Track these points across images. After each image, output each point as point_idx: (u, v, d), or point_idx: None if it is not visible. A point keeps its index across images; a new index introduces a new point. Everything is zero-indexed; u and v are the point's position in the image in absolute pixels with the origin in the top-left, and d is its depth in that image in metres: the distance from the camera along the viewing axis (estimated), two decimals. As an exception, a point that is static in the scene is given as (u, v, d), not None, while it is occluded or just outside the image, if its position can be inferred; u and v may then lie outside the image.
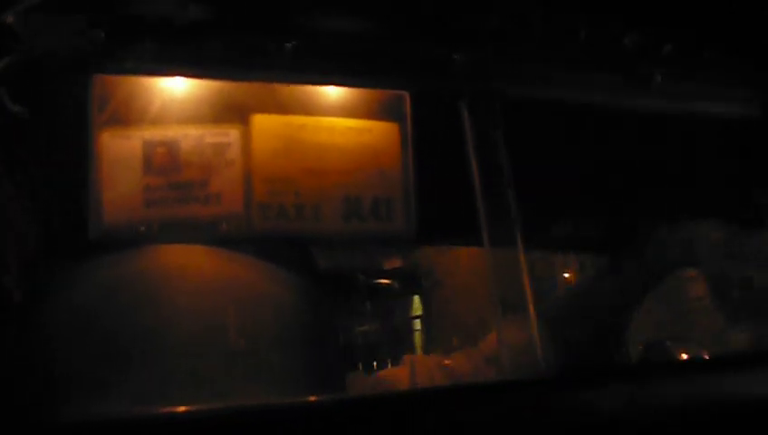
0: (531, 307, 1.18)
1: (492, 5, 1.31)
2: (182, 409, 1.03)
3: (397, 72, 1.38)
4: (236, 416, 0.90)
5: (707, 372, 1.23)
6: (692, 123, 1.53)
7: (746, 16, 1.40)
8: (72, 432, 0.86)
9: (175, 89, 1.28)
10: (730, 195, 1.69)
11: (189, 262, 1.25)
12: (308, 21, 1.25)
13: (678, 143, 1.59)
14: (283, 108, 1.36)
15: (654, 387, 1.06)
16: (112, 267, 1.21)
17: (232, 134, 1.30)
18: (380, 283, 1.71)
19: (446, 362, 1.71)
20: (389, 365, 2.06)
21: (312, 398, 1.14)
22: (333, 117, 1.39)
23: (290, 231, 1.31)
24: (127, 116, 1.25)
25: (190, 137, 1.27)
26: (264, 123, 1.33)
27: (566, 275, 1.99)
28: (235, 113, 1.31)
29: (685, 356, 1.50)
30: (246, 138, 1.31)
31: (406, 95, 1.43)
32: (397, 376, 1.76)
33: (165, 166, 1.25)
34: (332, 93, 1.40)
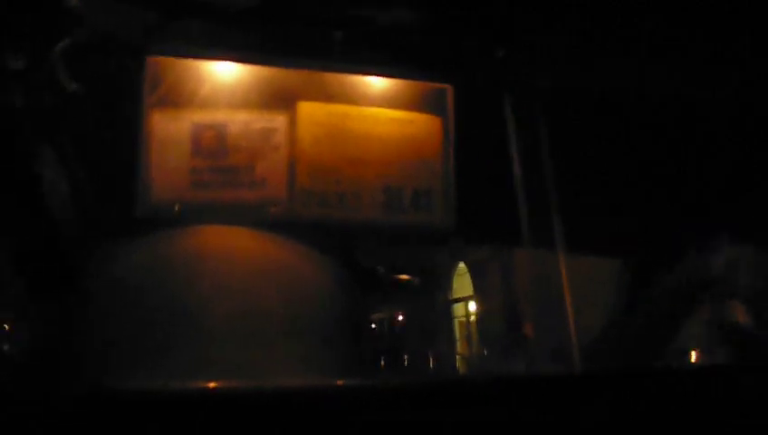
0: (568, 306, 1.18)
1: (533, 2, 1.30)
2: (212, 384, 1.06)
3: (441, 64, 1.38)
4: (267, 395, 0.92)
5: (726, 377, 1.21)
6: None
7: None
8: (113, 400, 0.89)
9: (224, 74, 1.30)
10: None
11: (232, 243, 1.27)
12: (356, 11, 1.26)
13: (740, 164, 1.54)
14: (329, 96, 1.37)
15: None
16: (158, 245, 1.24)
17: (278, 120, 1.32)
18: (404, 278, 1.70)
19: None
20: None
21: (340, 382, 1.16)
22: (377, 107, 1.40)
23: (331, 218, 1.33)
24: (177, 98, 1.28)
25: (238, 121, 1.30)
26: (309, 111, 1.35)
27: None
28: (281, 100, 1.33)
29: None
30: (292, 125, 1.33)
31: (449, 88, 1.43)
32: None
33: (212, 149, 1.28)
34: (377, 84, 1.41)
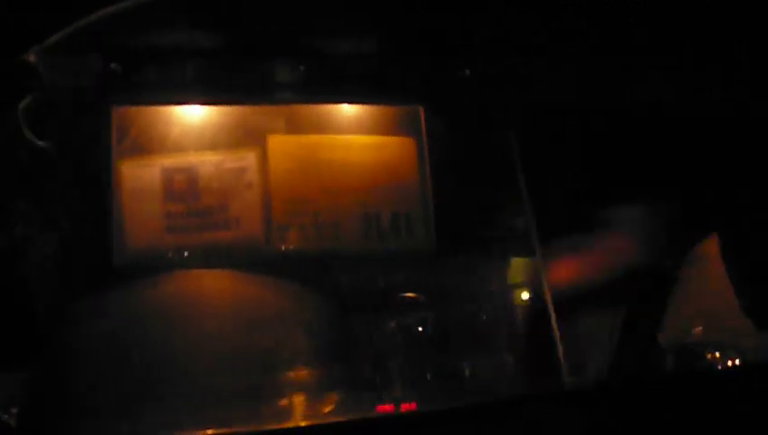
0: (552, 320, 1.17)
1: (502, 18, 1.31)
2: (209, 432, 1.05)
3: (410, 87, 1.38)
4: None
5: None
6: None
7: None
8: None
9: (191, 116, 1.31)
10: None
11: (211, 286, 1.27)
12: (317, 43, 1.26)
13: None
14: (298, 128, 1.37)
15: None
16: (136, 294, 1.23)
17: (249, 157, 1.32)
18: (406, 296, 1.69)
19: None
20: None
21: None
22: (349, 134, 1.40)
23: (310, 251, 1.32)
24: (146, 145, 1.28)
25: (208, 163, 1.29)
26: (279, 144, 1.35)
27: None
28: (250, 136, 1.33)
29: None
30: (263, 160, 1.32)
31: (420, 109, 1.43)
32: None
33: (184, 192, 1.28)
34: (347, 111, 1.41)
